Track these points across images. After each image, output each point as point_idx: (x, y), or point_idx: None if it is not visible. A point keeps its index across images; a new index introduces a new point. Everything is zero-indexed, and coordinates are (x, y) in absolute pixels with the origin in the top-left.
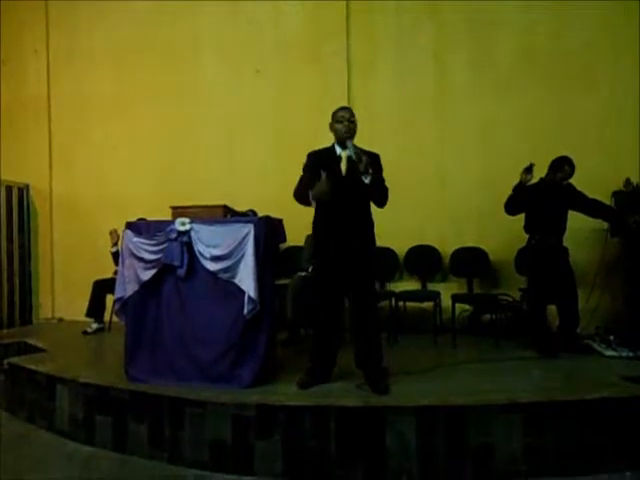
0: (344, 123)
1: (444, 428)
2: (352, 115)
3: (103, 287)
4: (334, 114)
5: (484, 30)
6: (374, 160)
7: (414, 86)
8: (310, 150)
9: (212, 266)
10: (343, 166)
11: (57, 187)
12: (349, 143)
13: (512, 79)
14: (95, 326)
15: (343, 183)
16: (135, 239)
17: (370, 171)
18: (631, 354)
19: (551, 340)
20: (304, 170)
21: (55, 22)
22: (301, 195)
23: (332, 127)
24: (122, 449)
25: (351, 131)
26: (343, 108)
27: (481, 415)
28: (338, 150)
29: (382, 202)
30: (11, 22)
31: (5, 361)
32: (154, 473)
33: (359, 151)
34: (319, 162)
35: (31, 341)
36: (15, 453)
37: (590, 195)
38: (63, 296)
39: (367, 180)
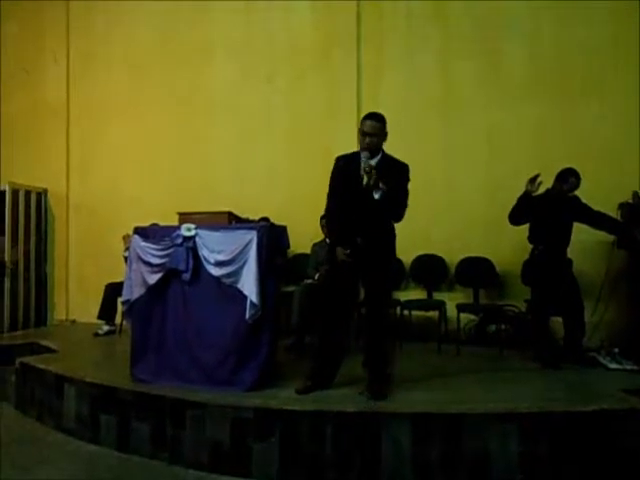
0: (364, 138)
1: (439, 435)
2: (374, 127)
3: (115, 290)
4: (361, 121)
5: (492, 38)
6: (401, 171)
7: (422, 93)
8: (335, 155)
9: (216, 271)
10: (365, 176)
11: (74, 191)
12: (363, 157)
13: (519, 87)
14: (106, 328)
15: (363, 193)
16: (142, 243)
17: (381, 186)
18: (635, 367)
19: (554, 352)
20: (331, 178)
21: (74, 27)
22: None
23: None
24: (125, 448)
25: (369, 145)
26: (369, 117)
27: (477, 423)
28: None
29: (395, 217)
30: (32, 29)
31: (17, 360)
32: (154, 473)
33: (370, 167)
34: (344, 169)
35: (44, 342)
36: (21, 451)
37: (596, 207)
38: (77, 298)
39: (377, 196)
